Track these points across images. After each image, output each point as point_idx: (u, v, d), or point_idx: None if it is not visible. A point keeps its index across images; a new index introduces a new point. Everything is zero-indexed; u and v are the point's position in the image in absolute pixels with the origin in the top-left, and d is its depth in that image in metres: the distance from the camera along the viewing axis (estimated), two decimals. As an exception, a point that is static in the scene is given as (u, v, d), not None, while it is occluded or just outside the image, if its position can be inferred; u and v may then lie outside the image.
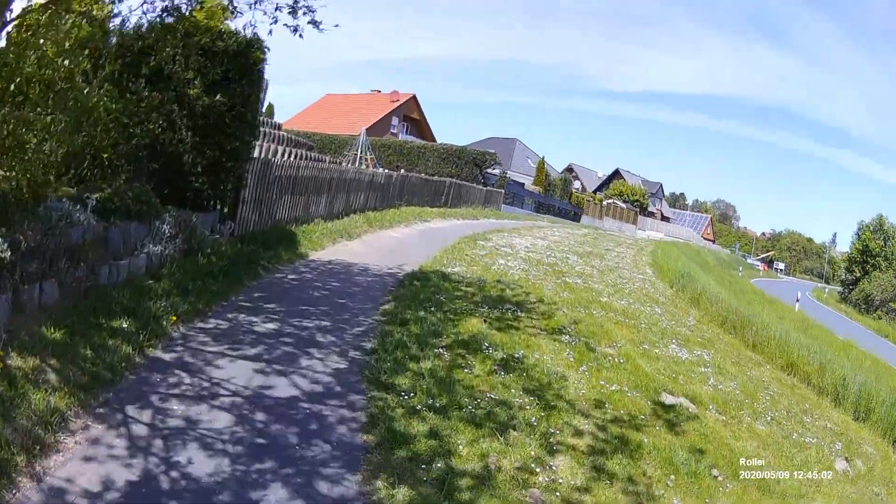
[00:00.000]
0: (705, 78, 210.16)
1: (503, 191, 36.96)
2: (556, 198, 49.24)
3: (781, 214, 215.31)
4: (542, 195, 45.90)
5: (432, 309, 8.55)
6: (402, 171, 28.75)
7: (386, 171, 23.40)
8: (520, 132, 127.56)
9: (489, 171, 37.90)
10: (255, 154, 15.76)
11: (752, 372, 9.80)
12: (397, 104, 54.58)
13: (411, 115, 56.09)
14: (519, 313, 9.19)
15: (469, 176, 35.77)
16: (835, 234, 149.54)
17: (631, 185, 74.47)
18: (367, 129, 49.09)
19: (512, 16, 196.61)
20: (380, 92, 58.44)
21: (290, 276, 9.68)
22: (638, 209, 69.39)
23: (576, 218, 51.49)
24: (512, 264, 14.03)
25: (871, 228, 55.71)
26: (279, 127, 21.51)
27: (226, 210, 10.72)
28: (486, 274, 12.04)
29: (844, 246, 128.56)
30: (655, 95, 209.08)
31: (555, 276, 13.53)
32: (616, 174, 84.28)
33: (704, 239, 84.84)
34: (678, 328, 11.28)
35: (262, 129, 18.54)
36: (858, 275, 54.01)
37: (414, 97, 56.21)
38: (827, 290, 60.96)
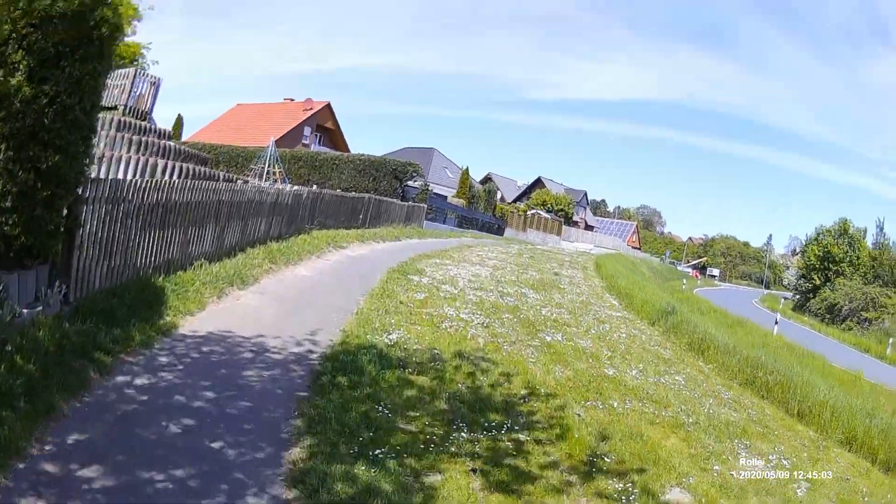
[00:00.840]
0: (629, 84, 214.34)
1: (425, 206, 34.21)
2: (480, 210, 46.92)
3: (710, 219, 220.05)
4: (465, 208, 43.42)
5: (377, 453, 5.41)
6: (314, 186, 25.62)
7: (295, 188, 20.27)
8: (437, 143, 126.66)
9: (410, 183, 35.11)
10: (111, 172, 12.74)
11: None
12: (310, 113, 51.13)
13: (325, 124, 52.71)
14: (516, 433, 6.40)
15: (388, 190, 32.90)
16: (770, 235, 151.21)
17: (555, 193, 73.17)
18: (278, 140, 45.56)
19: (432, 26, 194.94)
20: (293, 100, 54.80)
21: (140, 381, 6.08)
22: (562, 219, 68.07)
23: (499, 231, 49.37)
24: (465, 315, 11.26)
25: (834, 233, 53.38)
26: (167, 135, 18.12)
27: (56, 263, 7.52)
28: (439, 340, 9.19)
29: (780, 248, 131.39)
30: (576, 103, 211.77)
31: (527, 333, 10.92)
32: (538, 183, 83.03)
33: (630, 247, 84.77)
34: (721, 410, 9.00)
35: (143, 137, 15.35)
36: (818, 282, 51.67)
37: (328, 105, 52.85)
38: (782, 300, 59.41)
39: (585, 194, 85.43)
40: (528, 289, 16.82)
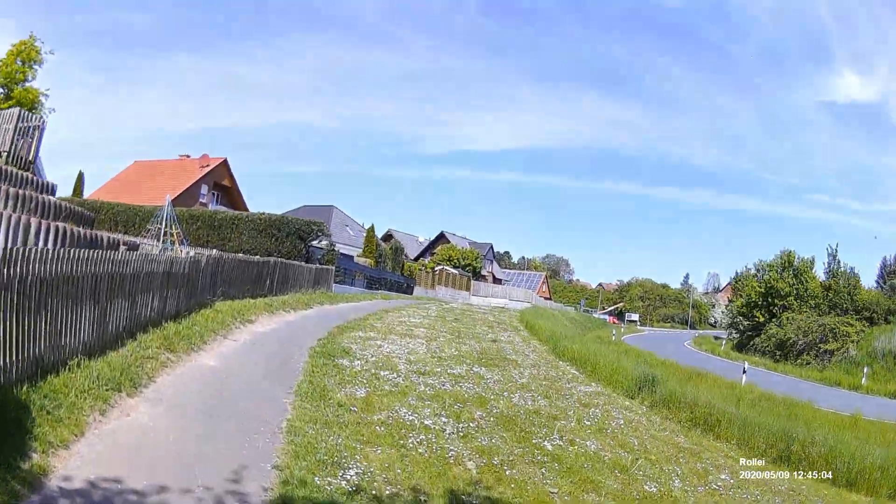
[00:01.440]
0: (528, 133, 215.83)
1: (333, 268, 31.99)
2: (388, 269, 45.00)
3: (620, 264, 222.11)
4: (372, 268, 41.39)
5: None
6: (213, 250, 23.12)
7: (192, 252, 17.84)
8: (335, 200, 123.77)
9: (314, 243, 32.87)
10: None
11: None
12: (207, 169, 48.08)
13: (222, 182, 49.71)
14: None
15: (291, 251, 30.51)
16: (686, 274, 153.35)
17: (460, 248, 72.20)
18: (175, 199, 42.23)
19: (324, 84, 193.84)
20: (188, 157, 51.60)
21: None
22: (470, 274, 67.05)
23: (409, 290, 47.57)
24: (429, 420, 9.29)
25: (777, 267, 52.36)
26: (51, 189, 15.40)
27: None
28: (415, 472, 7.06)
29: (699, 286, 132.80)
30: (474, 154, 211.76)
31: (519, 441, 9.16)
32: (441, 238, 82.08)
33: (542, 298, 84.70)
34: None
35: (22, 190, 12.67)
36: (762, 319, 50.24)
37: (225, 161, 49.93)
38: (723, 340, 57.96)
39: (491, 247, 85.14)
40: (479, 366, 15.16)
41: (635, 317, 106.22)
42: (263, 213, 33.13)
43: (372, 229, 46.83)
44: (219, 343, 12.55)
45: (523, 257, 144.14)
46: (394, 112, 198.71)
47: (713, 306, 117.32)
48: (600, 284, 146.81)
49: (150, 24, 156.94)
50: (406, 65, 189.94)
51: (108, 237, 15.97)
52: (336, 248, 35.94)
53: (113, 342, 9.50)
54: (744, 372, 25.76)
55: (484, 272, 76.22)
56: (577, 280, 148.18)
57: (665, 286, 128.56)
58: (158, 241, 29.45)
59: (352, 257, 40.80)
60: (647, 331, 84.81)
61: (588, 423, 11.26)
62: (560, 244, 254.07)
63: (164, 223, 27.11)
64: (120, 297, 9.95)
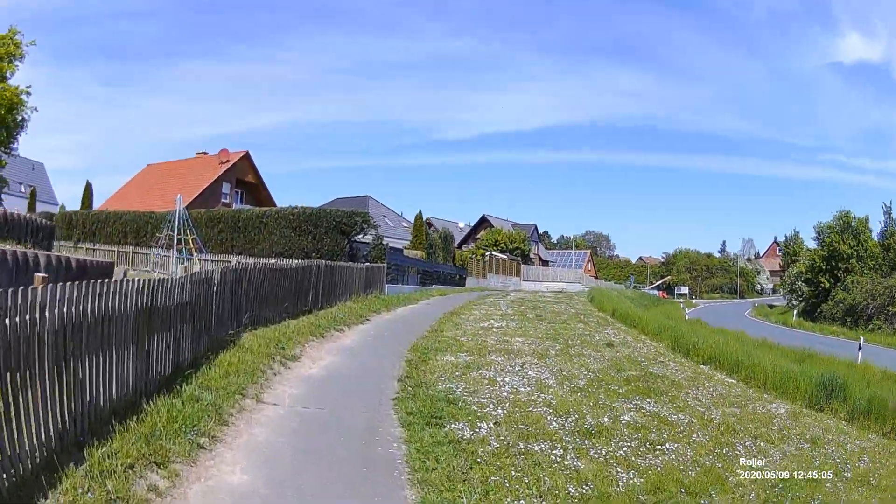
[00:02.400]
0: (545, 111, 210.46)
1: (384, 265, 26.79)
2: (439, 260, 39.79)
3: (656, 237, 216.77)
4: (424, 261, 36.14)
5: None
6: (236, 258, 18.07)
7: (199, 266, 12.78)
8: (366, 190, 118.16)
9: (359, 238, 27.64)
10: None
11: None
12: (227, 165, 43.22)
13: (245, 178, 44.83)
14: None
15: (333, 249, 25.40)
16: (724, 242, 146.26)
17: (506, 231, 66.74)
18: (193, 201, 37.58)
19: (334, 79, 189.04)
20: (206, 154, 46.79)
21: None
22: (519, 258, 61.65)
23: (461, 282, 42.40)
24: None
25: (836, 229, 48.51)
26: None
27: None
28: None
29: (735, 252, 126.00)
30: (494, 137, 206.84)
31: None
32: (483, 222, 76.82)
33: (590, 277, 79.05)
34: None
35: None
36: (827, 285, 46.64)
37: (247, 155, 44.99)
38: (782, 307, 53.74)
39: (535, 228, 79.49)
40: (639, 396, 10.41)
41: (684, 289, 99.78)
42: (295, 208, 27.90)
43: (420, 217, 41.56)
44: (247, 419, 7.34)
45: (562, 236, 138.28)
46: (409, 101, 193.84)
47: (758, 273, 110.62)
48: (640, 258, 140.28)
49: (152, 32, 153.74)
50: (418, 51, 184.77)
51: (70, 259, 10.93)
52: (385, 242, 30.72)
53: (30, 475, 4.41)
54: (859, 349, 22.56)
55: (531, 254, 70.61)
56: (617, 255, 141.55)
57: (710, 255, 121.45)
58: (172, 250, 24.56)
59: (401, 250, 35.55)
60: (703, 304, 78.51)
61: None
62: (597, 220, 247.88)
63: (176, 228, 22.29)
64: (38, 380, 4.82)
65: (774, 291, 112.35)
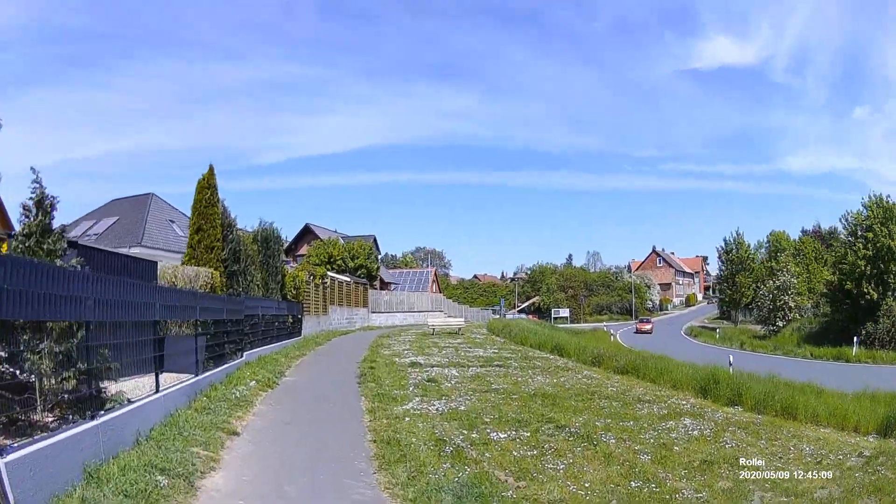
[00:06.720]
0: (365, 132, 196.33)
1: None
2: (255, 289, 21.90)
3: (490, 254, 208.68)
4: (214, 297, 17.85)
5: None
6: None
7: None
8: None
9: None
10: None
11: None
12: None
13: None
14: None
15: None
16: (570, 255, 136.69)
17: (342, 244, 49.33)
18: None
19: (155, 102, 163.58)
20: None
21: None
22: (366, 280, 44.75)
23: (294, 330, 25.11)
24: None
25: (877, 220, 37.44)
26: None
27: None
28: None
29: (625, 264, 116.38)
30: (309, 160, 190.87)
31: None
32: (307, 233, 58.81)
33: (450, 300, 63.75)
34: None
35: None
36: (874, 295, 35.74)
37: None
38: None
39: (375, 239, 62.01)
40: None
41: (564, 312, 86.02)
42: None
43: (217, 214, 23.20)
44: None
45: (387, 254, 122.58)
46: (232, 125, 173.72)
47: (648, 287, 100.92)
48: (475, 276, 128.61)
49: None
50: (243, 76, 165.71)
51: None
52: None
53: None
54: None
55: (377, 275, 53.79)
56: (448, 273, 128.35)
57: (584, 269, 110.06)
58: None
59: (155, 265, 16.97)
60: (614, 329, 60.05)
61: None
62: (425, 237, 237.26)
63: None
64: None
65: (661, 308, 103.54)
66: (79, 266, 9.19)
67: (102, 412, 7.86)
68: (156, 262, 14.87)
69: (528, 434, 10.35)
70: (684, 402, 14.27)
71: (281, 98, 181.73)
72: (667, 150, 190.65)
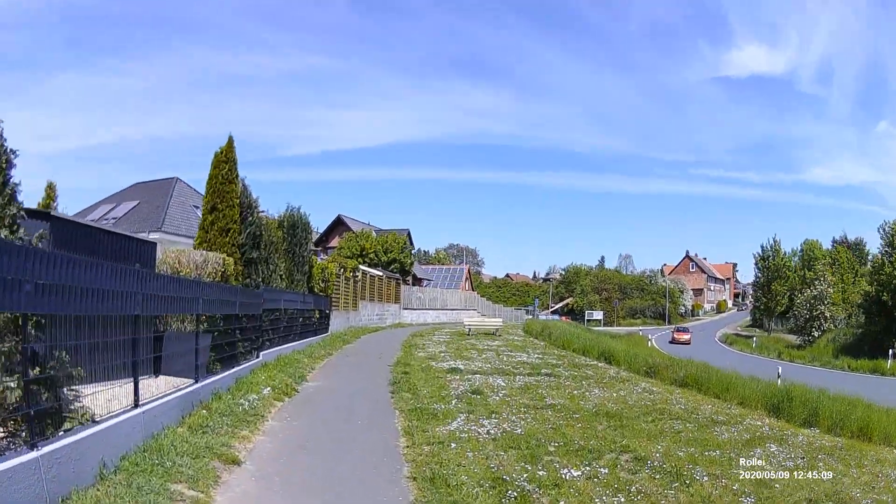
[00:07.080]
0: (394, 128, 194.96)
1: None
2: (278, 280, 19.76)
3: (515, 255, 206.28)
4: (227, 287, 15.41)
5: None
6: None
7: None
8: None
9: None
10: None
11: None
12: None
13: None
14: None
15: None
16: (602, 257, 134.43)
17: (375, 236, 47.26)
18: None
19: (178, 91, 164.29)
20: None
21: None
22: (398, 275, 42.60)
23: (322, 326, 23.01)
24: None
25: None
26: None
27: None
28: None
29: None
30: (342, 154, 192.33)
31: None
32: (339, 224, 56.91)
33: (483, 298, 61.46)
34: None
35: None
36: None
37: None
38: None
39: (409, 233, 59.83)
40: None
41: (598, 315, 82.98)
42: None
43: (235, 192, 20.98)
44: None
45: (419, 249, 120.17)
46: (262, 116, 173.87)
47: (682, 292, 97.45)
48: (507, 275, 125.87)
49: None
50: (274, 67, 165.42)
51: None
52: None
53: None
54: None
55: (411, 270, 51.53)
56: (480, 272, 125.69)
57: (617, 271, 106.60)
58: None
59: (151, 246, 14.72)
60: (651, 334, 57.21)
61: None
62: (459, 235, 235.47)
63: None
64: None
65: (693, 313, 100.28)
66: (39, 242, 7.08)
67: (47, 440, 5.69)
68: (155, 244, 12.68)
69: (607, 471, 8.34)
70: (759, 423, 12.66)
71: (308, 90, 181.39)
72: (694, 156, 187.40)
